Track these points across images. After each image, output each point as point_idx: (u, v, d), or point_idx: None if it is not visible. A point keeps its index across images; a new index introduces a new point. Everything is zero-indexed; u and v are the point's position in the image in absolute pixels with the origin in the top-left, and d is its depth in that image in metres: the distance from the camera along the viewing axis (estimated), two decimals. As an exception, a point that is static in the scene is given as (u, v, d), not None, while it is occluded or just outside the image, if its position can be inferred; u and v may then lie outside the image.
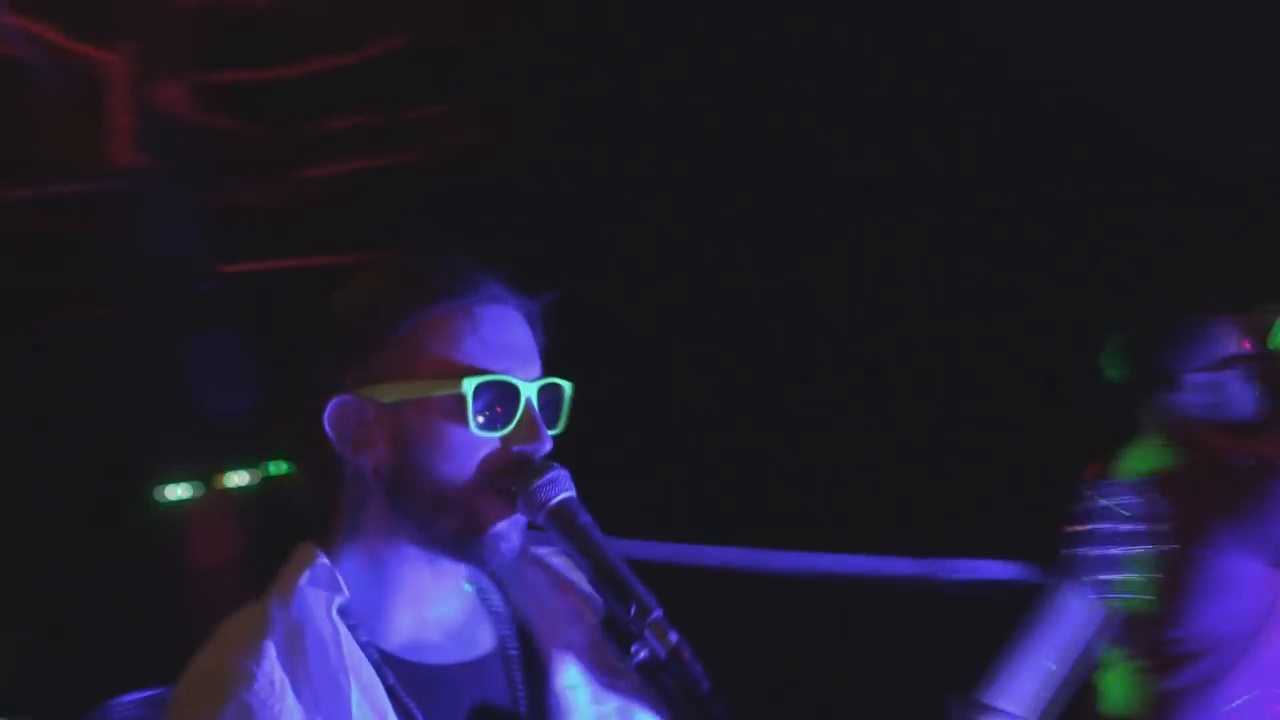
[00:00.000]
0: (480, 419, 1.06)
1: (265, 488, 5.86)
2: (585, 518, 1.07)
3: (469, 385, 1.05)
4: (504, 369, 1.08)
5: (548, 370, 1.13)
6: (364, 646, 1.05)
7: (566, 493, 1.07)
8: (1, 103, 5.00)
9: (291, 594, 1.05)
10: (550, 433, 1.11)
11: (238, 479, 5.85)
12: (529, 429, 1.08)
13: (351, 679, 1.01)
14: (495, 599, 1.20)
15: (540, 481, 1.06)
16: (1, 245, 5.70)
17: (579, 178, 5.95)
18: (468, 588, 1.18)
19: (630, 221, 6.03)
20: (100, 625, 5.60)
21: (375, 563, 1.09)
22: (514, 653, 1.16)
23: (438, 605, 1.13)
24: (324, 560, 1.07)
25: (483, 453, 1.07)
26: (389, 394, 1.07)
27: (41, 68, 4.72)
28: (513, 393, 1.07)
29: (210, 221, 5.51)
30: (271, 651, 1.02)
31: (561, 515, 1.06)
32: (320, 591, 1.05)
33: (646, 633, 0.99)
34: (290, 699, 1.01)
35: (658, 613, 1.00)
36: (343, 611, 1.05)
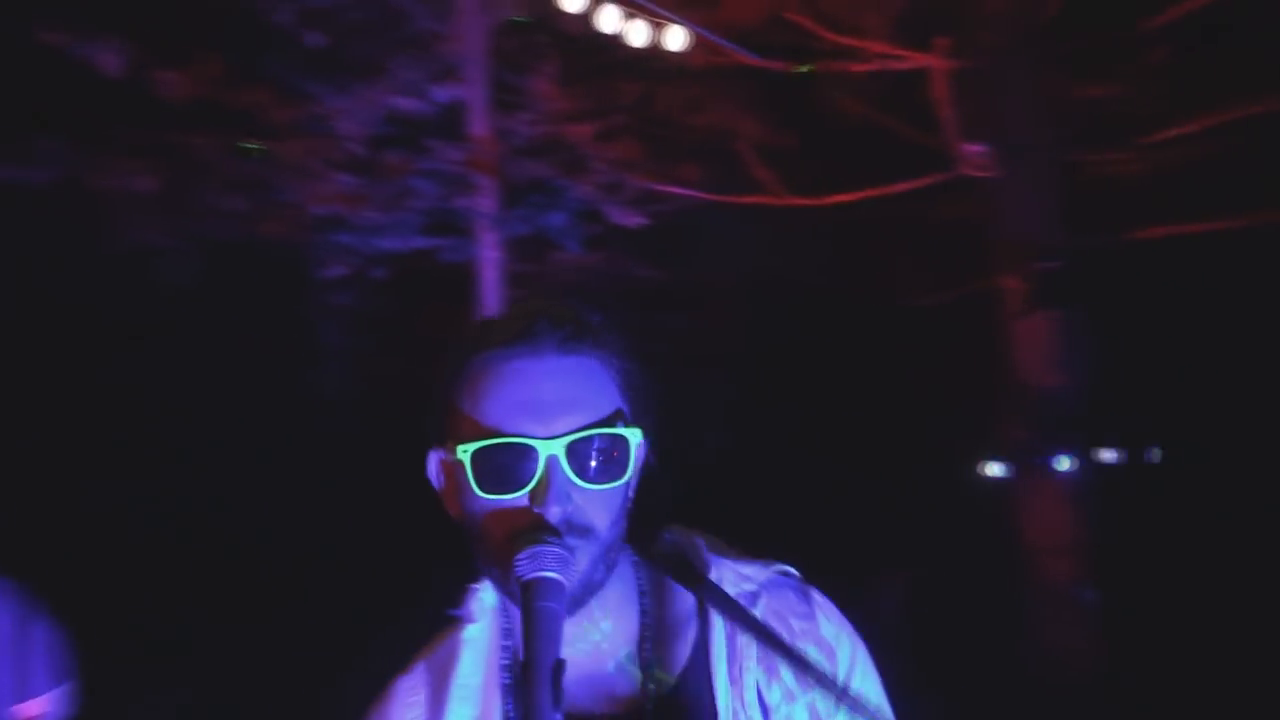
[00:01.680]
0: (485, 483, 1.04)
1: (1094, 471, 5.64)
2: (550, 604, 0.99)
3: (464, 453, 1.04)
4: (518, 428, 1.03)
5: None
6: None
7: (541, 572, 0.99)
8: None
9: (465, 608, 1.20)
10: (606, 486, 1.06)
11: (1064, 462, 5.67)
12: (542, 490, 1.03)
13: (478, 699, 1.11)
14: (672, 644, 1.16)
15: (521, 554, 1.01)
16: (878, 233, 6.43)
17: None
18: (609, 624, 1.15)
19: None
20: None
21: None
22: (650, 710, 1.12)
23: (567, 655, 1.03)
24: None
25: (495, 515, 1.05)
26: (446, 452, 1.10)
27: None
28: (525, 453, 1.03)
29: (1064, 194, 5.38)
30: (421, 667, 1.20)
31: (526, 592, 1.00)
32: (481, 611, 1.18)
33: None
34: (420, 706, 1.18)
35: None
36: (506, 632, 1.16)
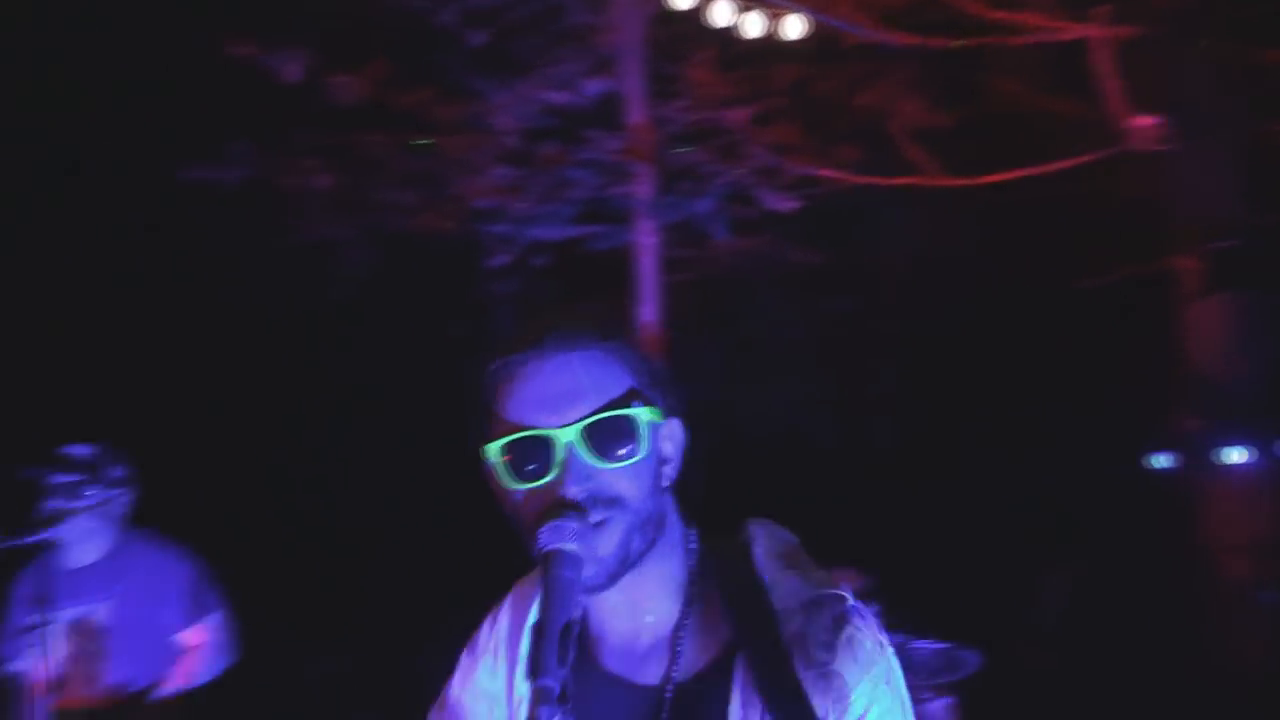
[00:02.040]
0: (515, 473, 1.17)
1: (1275, 465, 5.22)
2: (566, 572, 1.09)
3: (494, 450, 1.18)
4: (529, 421, 1.16)
5: None
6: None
7: (560, 544, 1.10)
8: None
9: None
10: (624, 464, 1.17)
11: (1237, 455, 5.28)
12: (563, 474, 1.15)
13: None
14: (705, 636, 1.24)
15: (544, 527, 1.12)
16: (1042, 214, 6.19)
17: None
18: (654, 599, 1.25)
19: None
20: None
21: None
22: (668, 696, 1.21)
23: (607, 614, 1.27)
24: None
25: (527, 500, 1.17)
26: (484, 452, 1.22)
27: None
28: (544, 442, 1.15)
29: (1245, 169, 5.02)
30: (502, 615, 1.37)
31: (545, 562, 1.10)
32: None
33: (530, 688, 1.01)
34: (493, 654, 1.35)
35: (542, 680, 1.00)
36: None
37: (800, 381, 10.67)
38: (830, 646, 1.20)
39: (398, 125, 6.05)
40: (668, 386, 1.26)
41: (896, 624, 3.87)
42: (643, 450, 1.19)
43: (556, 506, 1.14)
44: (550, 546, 1.11)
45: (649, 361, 1.25)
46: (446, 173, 6.18)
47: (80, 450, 3.15)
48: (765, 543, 1.31)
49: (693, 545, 1.30)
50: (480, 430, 1.23)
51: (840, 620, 1.22)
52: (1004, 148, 5.83)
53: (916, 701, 3.31)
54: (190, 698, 3.20)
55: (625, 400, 1.18)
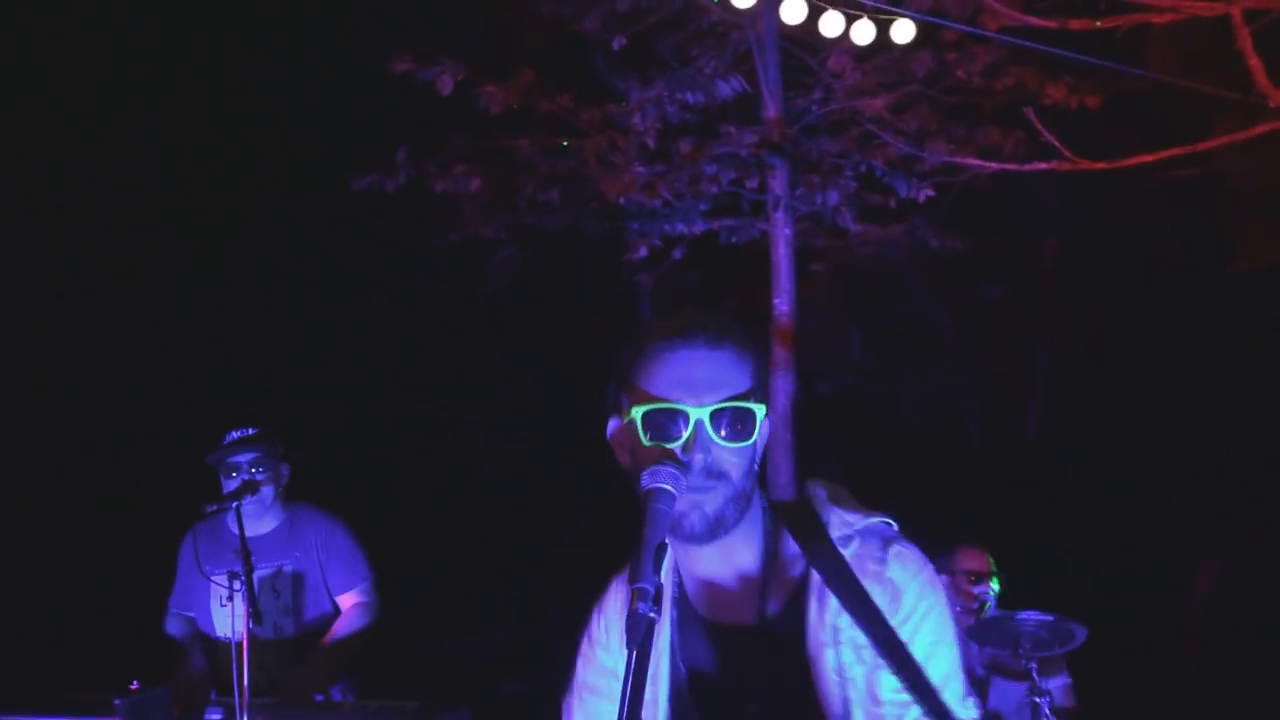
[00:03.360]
0: (651, 435, 1.42)
1: None
2: (660, 505, 1.34)
3: (638, 413, 1.43)
4: (672, 396, 1.42)
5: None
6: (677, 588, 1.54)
7: (659, 484, 1.35)
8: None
9: None
10: (738, 445, 1.42)
11: None
12: (691, 443, 1.41)
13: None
14: (781, 580, 1.50)
15: (647, 470, 1.38)
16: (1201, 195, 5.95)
17: None
18: (745, 555, 1.50)
19: None
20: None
21: None
22: (760, 630, 1.47)
23: (703, 568, 1.51)
24: None
25: (650, 455, 1.42)
26: (622, 416, 1.49)
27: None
28: (681, 415, 1.42)
29: None
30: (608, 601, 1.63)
31: (645, 498, 1.35)
32: None
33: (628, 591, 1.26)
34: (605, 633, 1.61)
35: (639, 584, 1.25)
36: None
37: (948, 371, 10.51)
38: (881, 560, 1.47)
39: (542, 129, 6.37)
40: (768, 387, 1.53)
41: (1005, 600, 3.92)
42: (754, 438, 1.45)
43: (661, 459, 1.39)
44: (650, 486, 1.36)
45: (763, 364, 1.52)
46: (588, 172, 6.47)
47: (253, 431, 3.58)
48: (821, 492, 1.57)
49: (765, 506, 1.56)
50: (616, 398, 1.51)
51: (888, 540, 1.50)
52: (1148, 129, 5.66)
53: (1023, 675, 3.37)
54: (353, 645, 3.60)
55: (748, 395, 1.44)
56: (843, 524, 1.50)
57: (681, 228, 6.69)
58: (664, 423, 1.42)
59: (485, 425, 8.17)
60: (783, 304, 7.39)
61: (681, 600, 1.55)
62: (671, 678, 1.51)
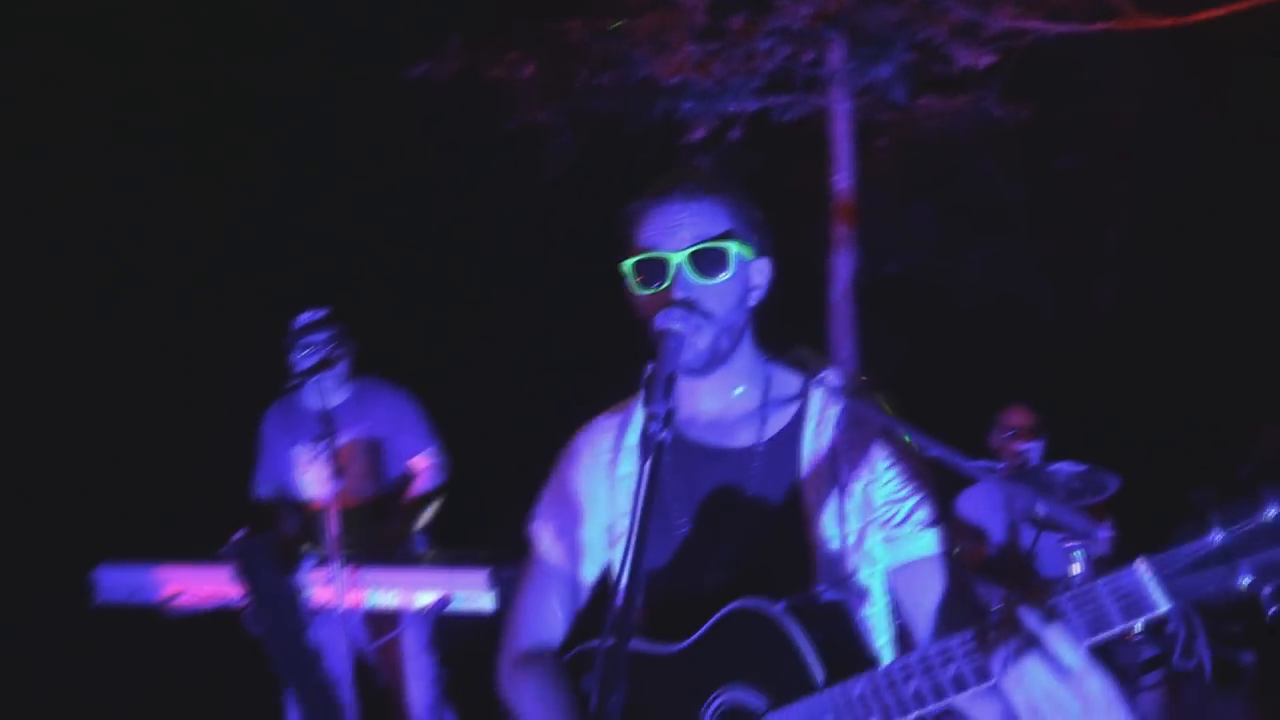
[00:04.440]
0: (641, 282, 1.60)
1: None
2: (671, 341, 1.50)
3: (628, 264, 1.61)
4: (654, 245, 1.58)
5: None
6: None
7: (668, 325, 1.51)
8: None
9: None
10: (715, 281, 1.57)
11: None
12: (673, 283, 1.56)
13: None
14: (780, 409, 1.66)
15: (658, 314, 1.54)
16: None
17: None
18: (740, 387, 1.68)
19: None
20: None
21: None
22: (759, 450, 1.63)
23: (701, 402, 1.69)
24: None
25: (648, 303, 1.58)
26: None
27: None
28: (661, 262, 1.58)
29: None
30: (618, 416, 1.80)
31: (658, 336, 1.51)
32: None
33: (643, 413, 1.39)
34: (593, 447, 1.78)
35: (651, 408, 1.38)
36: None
37: (1016, 246, 10.32)
38: (867, 400, 1.64)
39: (593, 11, 6.36)
40: (762, 233, 1.67)
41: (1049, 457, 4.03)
42: (729, 274, 1.58)
43: (668, 303, 1.56)
44: (661, 326, 1.53)
45: (748, 212, 1.64)
46: (640, 54, 6.45)
47: (324, 313, 3.84)
48: (809, 354, 1.73)
49: (766, 357, 1.73)
50: (622, 258, 1.66)
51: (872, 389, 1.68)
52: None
53: (1058, 525, 3.49)
54: (426, 503, 3.91)
55: (722, 237, 1.58)
56: (835, 374, 1.68)
57: (734, 106, 6.67)
58: (647, 269, 1.59)
59: (541, 311, 8.37)
60: (842, 180, 7.37)
61: (678, 429, 1.69)
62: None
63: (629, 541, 1.33)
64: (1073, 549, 3.48)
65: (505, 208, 8.06)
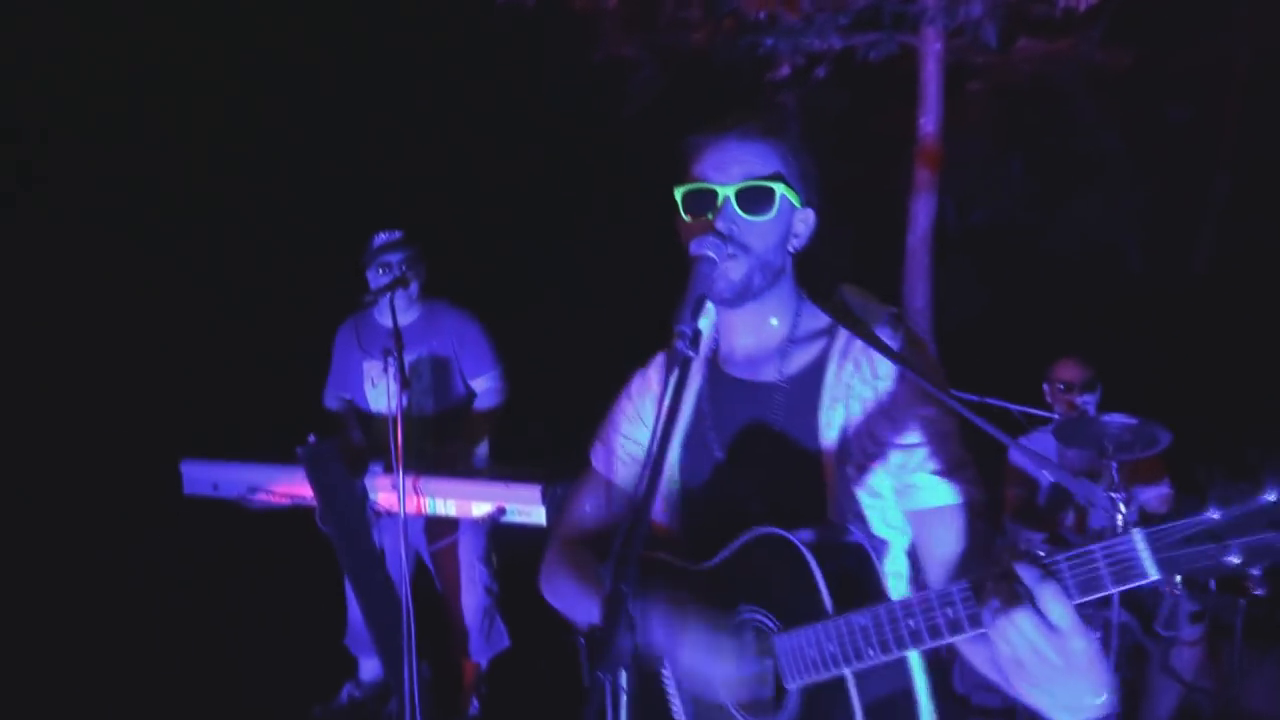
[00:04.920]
0: (688, 210, 1.66)
1: None
2: (704, 266, 1.55)
3: (678, 191, 1.66)
4: (706, 177, 1.64)
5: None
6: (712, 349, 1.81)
7: (704, 251, 1.56)
8: None
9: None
10: (758, 218, 1.63)
11: None
12: (718, 215, 1.62)
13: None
14: (805, 346, 1.72)
15: (695, 240, 1.58)
16: None
17: None
18: (774, 323, 1.74)
19: None
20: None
21: None
22: (783, 385, 1.70)
23: (738, 338, 1.77)
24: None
25: (691, 229, 1.64)
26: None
27: None
28: (710, 193, 1.64)
29: None
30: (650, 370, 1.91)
31: (693, 261, 1.56)
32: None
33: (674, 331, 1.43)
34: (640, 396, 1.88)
35: (680, 327, 1.42)
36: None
37: (1112, 197, 9.96)
38: (895, 338, 1.68)
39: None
40: (813, 184, 1.72)
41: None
42: (773, 214, 1.64)
43: (705, 231, 1.61)
44: (696, 252, 1.58)
45: (802, 161, 1.69)
46: (725, -13, 6.39)
47: (400, 235, 3.98)
48: (852, 289, 1.78)
49: (801, 293, 1.79)
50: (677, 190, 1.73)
51: (896, 319, 1.72)
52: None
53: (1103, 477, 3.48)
54: (487, 421, 4.08)
55: (771, 178, 1.64)
56: (867, 310, 1.72)
57: (819, 43, 6.57)
58: (696, 199, 1.65)
59: (619, 245, 8.46)
60: (928, 124, 7.22)
61: (714, 361, 1.81)
62: (694, 417, 1.79)
63: (649, 452, 1.39)
64: (1119, 501, 3.47)
65: (590, 140, 8.11)
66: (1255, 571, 1.07)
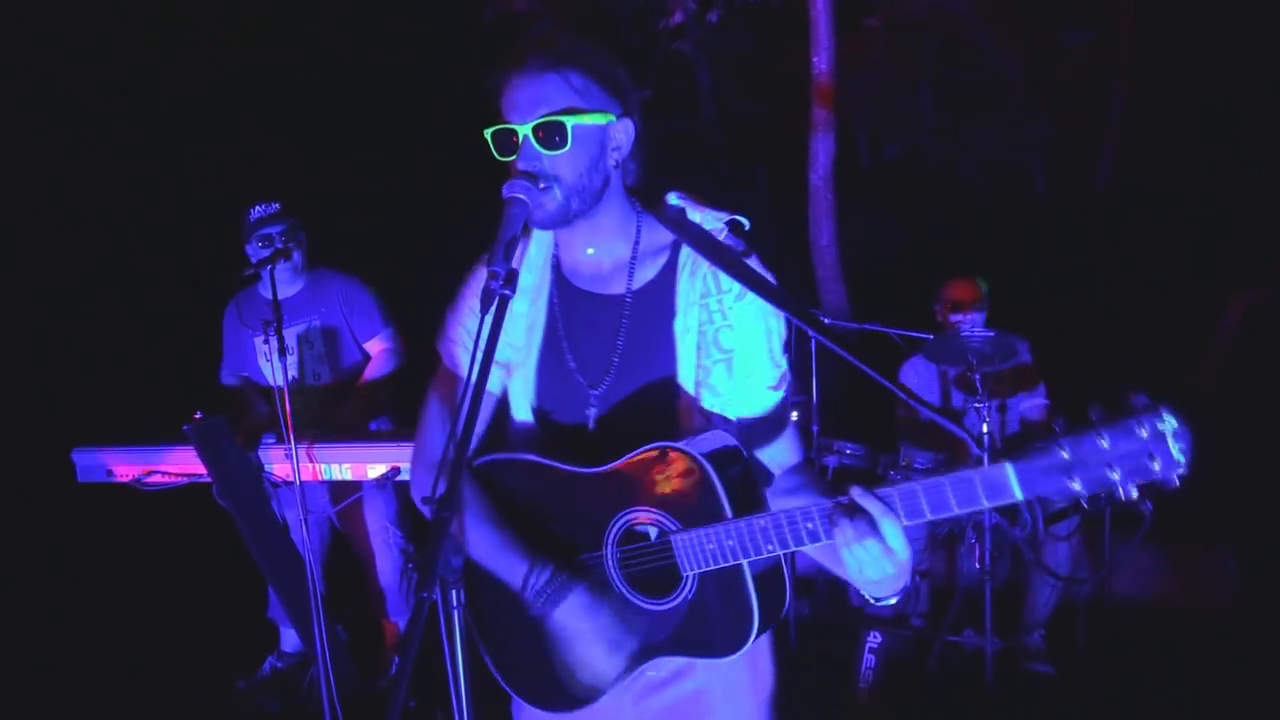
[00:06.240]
0: (498, 150, 1.71)
1: None
2: (513, 210, 1.62)
3: (487, 133, 1.70)
4: (506, 118, 1.69)
5: None
6: (555, 265, 1.87)
7: (514, 194, 1.63)
8: None
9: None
10: (557, 152, 1.67)
11: None
12: (519, 153, 1.68)
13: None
14: (651, 260, 1.79)
15: (506, 184, 1.65)
16: None
17: None
18: (615, 239, 1.81)
19: None
20: None
21: None
22: (628, 299, 1.79)
23: (578, 251, 1.83)
24: None
25: (506, 168, 1.69)
26: None
27: None
28: (511, 133, 1.69)
29: None
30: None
31: (504, 204, 1.62)
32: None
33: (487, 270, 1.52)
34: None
35: (493, 268, 1.51)
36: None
37: (1014, 122, 10.13)
38: (740, 246, 1.77)
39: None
40: (623, 92, 1.75)
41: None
42: (569, 146, 1.68)
43: (515, 173, 1.68)
44: (507, 195, 1.64)
45: (603, 77, 1.71)
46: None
47: (278, 206, 3.95)
48: (684, 197, 1.84)
49: (636, 204, 1.85)
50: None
51: (736, 225, 1.80)
52: None
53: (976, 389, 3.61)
54: (384, 385, 4.10)
55: (563, 112, 1.67)
56: (711, 218, 1.79)
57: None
58: (501, 140, 1.70)
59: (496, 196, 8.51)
60: (821, 62, 7.28)
61: (559, 275, 1.87)
62: (547, 326, 1.86)
63: (466, 383, 1.47)
64: (983, 410, 3.63)
65: (475, 97, 8.06)
66: (1086, 495, 1.28)
